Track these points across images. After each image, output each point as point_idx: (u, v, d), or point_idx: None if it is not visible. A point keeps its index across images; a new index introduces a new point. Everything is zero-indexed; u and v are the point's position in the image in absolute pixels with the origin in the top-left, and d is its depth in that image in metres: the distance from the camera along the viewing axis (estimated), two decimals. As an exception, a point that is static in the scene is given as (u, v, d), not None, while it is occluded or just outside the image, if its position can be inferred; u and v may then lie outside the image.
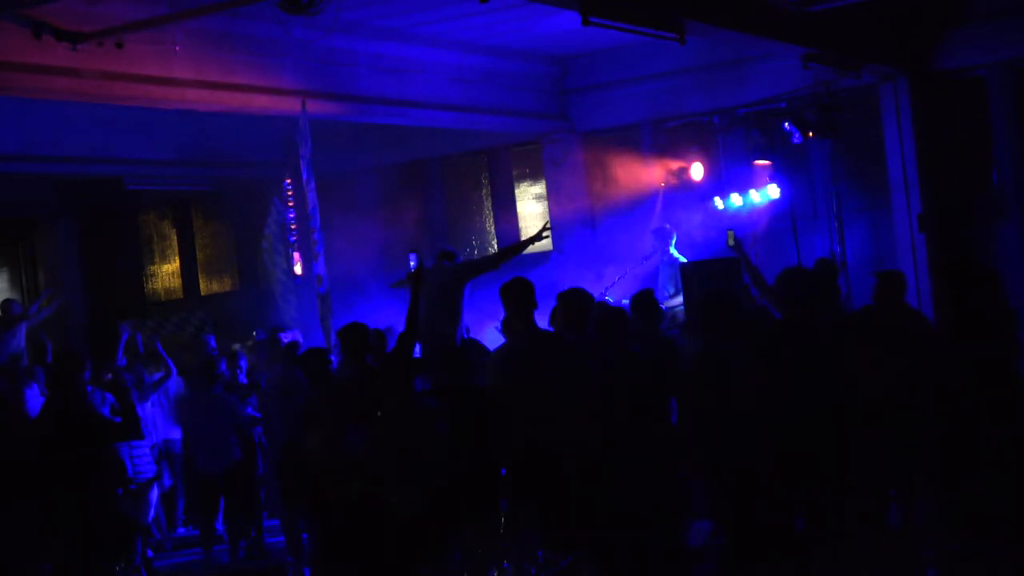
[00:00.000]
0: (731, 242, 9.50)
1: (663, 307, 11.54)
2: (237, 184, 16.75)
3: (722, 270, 10.93)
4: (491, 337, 10.41)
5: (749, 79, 13.62)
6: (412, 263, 7.19)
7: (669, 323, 11.81)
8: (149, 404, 11.24)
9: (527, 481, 6.62)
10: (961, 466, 6.07)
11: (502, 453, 6.91)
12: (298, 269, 15.08)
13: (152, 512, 10.82)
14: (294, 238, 14.76)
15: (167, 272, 18.57)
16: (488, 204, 16.66)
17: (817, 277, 8.03)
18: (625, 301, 11.28)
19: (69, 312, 17.57)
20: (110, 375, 10.58)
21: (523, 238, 16.19)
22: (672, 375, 7.42)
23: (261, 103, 11.62)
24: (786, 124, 12.58)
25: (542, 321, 7.64)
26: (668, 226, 12.94)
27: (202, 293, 18.27)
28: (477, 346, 9.93)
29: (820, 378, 6.39)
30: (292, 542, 9.73)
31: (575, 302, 7.17)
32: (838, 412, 6.29)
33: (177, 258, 18.49)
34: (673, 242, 12.63)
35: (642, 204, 14.51)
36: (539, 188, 16.30)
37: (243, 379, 11.26)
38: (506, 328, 7.80)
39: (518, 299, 6.76)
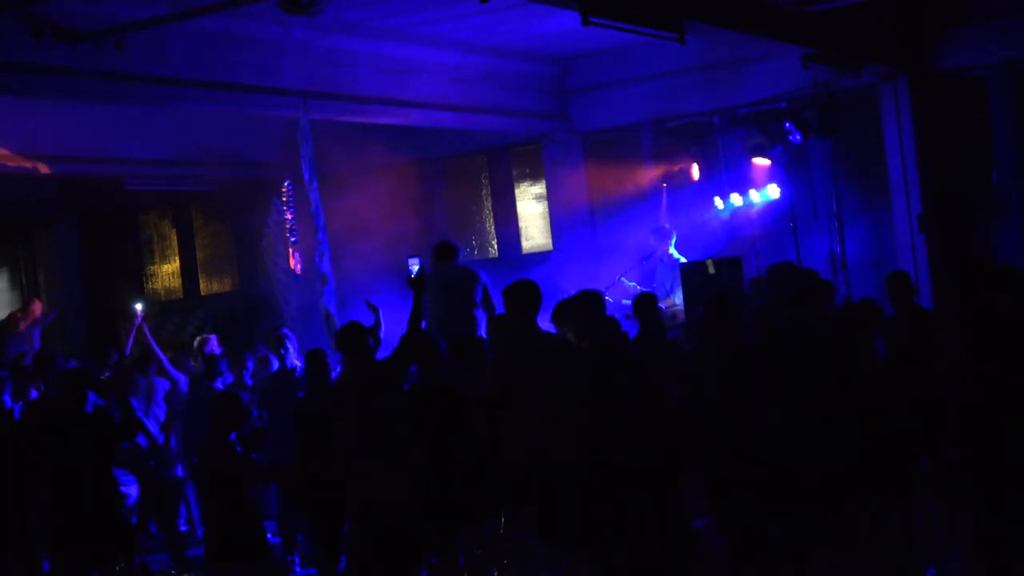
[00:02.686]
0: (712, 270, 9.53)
1: (662, 307, 11.56)
2: (237, 184, 16.75)
3: (722, 270, 10.94)
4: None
5: (749, 79, 13.61)
6: (414, 267, 7.15)
7: (668, 322, 11.82)
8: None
9: (526, 482, 6.61)
10: (967, 469, 6.05)
11: (499, 454, 6.93)
12: (298, 269, 15.06)
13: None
14: (294, 238, 14.75)
15: (167, 272, 18.56)
16: (488, 204, 16.66)
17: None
18: (626, 301, 11.30)
19: (69, 312, 17.59)
20: (108, 372, 10.51)
21: (523, 240, 16.32)
22: (673, 376, 7.42)
23: (261, 103, 11.62)
24: (787, 124, 12.58)
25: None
26: (668, 226, 12.93)
27: (202, 293, 18.26)
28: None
29: (825, 378, 6.38)
30: (287, 541, 9.75)
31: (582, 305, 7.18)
32: (842, 413, 6.28)
33: (177, 258, 18.48)
34: (673, 242, 12.63)
35: (642, 204, 14.52)
36: (539, 188, 16.30)
37: (248, 380, 11.22)
38: (501, 329, 7.82)
39: (521, 300, 6.73)
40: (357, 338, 7.25)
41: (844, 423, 6.24)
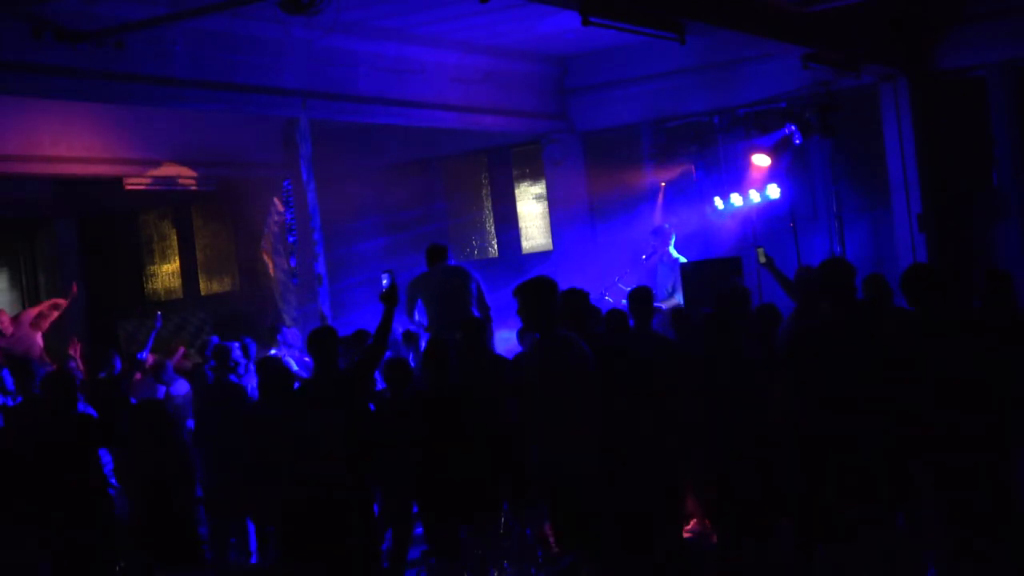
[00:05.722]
0: (762, 259, 9.43)
1: (662, 306, 11.58)
2: (237, 184, 16.76)
3: (722, 270, 10.95)
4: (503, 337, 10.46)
5: (749, 79, 13.62)
6: (385, 282, 7.14)
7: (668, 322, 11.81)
8: None
9: (538, 482, 6.60)
10: (963, 467, 6.05)
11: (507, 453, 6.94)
12: (297, 269, 15.05)
13: None
14: (293, 238, 14.75)
15: (167, 272, 18.57)
16: (488, 204, 16.67)
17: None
18: (625, 301, 11.29)
19: (69, 312, 17.59)
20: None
21: (523, 240, 16.32)
22: (672, 374, 7.41)
23: (261, 103, 11.63)
24: (789, 126, 12.58)
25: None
26: (667, 226, 12.94)
27: (202, 293, 18.26)
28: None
29: (830, 377, 6.37)
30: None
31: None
32: (845, 412, 6.27)
33: (177, 258, 18.48)
34: (672, 242, 12.64)
35: (642, 204, 14.53)
36: (539, 188, 16.30)
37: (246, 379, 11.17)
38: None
39: (533, 300, 6.68)
40: (324, 343, 7.20)
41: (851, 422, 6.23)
